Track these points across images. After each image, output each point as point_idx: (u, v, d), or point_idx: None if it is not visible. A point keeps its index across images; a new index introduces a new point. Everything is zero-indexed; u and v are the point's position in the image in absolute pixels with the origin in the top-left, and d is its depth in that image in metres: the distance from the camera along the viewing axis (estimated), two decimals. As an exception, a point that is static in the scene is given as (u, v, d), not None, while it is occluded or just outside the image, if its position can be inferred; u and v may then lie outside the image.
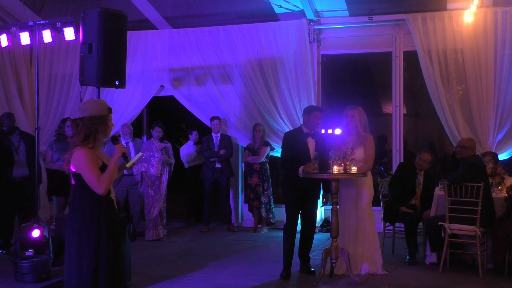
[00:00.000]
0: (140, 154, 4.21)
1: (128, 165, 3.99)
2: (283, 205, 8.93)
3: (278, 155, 8.87)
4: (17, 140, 7.37)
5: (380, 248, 6.26)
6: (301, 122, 8.50)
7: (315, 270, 6.05)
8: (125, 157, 3.90)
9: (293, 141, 6.11)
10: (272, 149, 8.82)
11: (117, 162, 3.79)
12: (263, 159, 8.69)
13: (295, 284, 5.81)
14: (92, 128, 3.76)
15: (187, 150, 9.51)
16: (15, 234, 7.04)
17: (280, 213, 8.81)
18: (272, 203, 8.78)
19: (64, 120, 8.02)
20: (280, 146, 8.71)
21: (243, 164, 9.30)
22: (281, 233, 6.35)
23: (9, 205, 7.30)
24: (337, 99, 10.14)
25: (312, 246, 6.36)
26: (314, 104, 8.55)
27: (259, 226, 8.78)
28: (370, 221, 6.03)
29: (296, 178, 5.87)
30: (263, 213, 8.68)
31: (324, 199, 6.26)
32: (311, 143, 6.05)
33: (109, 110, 3.90)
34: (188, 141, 9.61)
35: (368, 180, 6.03)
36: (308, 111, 6.19)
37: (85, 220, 3.73)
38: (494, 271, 6.10)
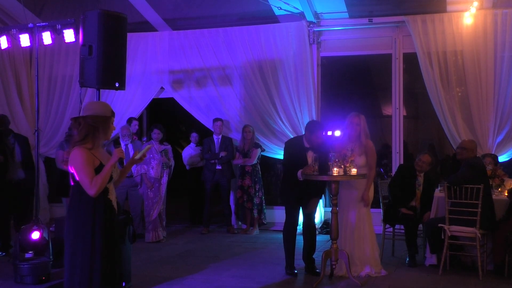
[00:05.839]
0: (148, 146, 4.12)
1: (137, 156, 3.91)
2: (275, 207, 8.95)
3: (270, 155, 8.90)
4: (12, 143, 7.37)
5: (380, 249, 6.27)
6: (301, 125, 8.54)
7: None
8: (122, 162, 3.87)
9: (293, 151, 6.07)
10: (263, 150, 8.82)
11: (114, 166, 3.74)
12: (255, 161, 8.69)
13: (295, 285, 5.80)
14: (93, 127, 3.73)
15: (189, 152, 9.54)
16: (13, 236, 7.03)
17: (271, 214, 8.96)
18: (264, 204, 8.80)
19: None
20: (278, 148, 8.76)
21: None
22: (279, 235, 6.34)
23: (5, 207, 7.30)
24: (337, 100, 10.15)
25: (312, 248, 6.36)
26: (313, 105, 8.57)
27: (251, 228, 8.78)
28: (370, 222, 6.07)
29: (295, 180, 5.88)
30: (255, 214, 8.70)
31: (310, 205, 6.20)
32: (310, 156, 6.00)
33: (113, 113, 3.92)
34: (190, 144, 9.62)
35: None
36: (310, 130, 5.95)
37: (79, 221, 3.71)
38: (494, 273, 6.09)
